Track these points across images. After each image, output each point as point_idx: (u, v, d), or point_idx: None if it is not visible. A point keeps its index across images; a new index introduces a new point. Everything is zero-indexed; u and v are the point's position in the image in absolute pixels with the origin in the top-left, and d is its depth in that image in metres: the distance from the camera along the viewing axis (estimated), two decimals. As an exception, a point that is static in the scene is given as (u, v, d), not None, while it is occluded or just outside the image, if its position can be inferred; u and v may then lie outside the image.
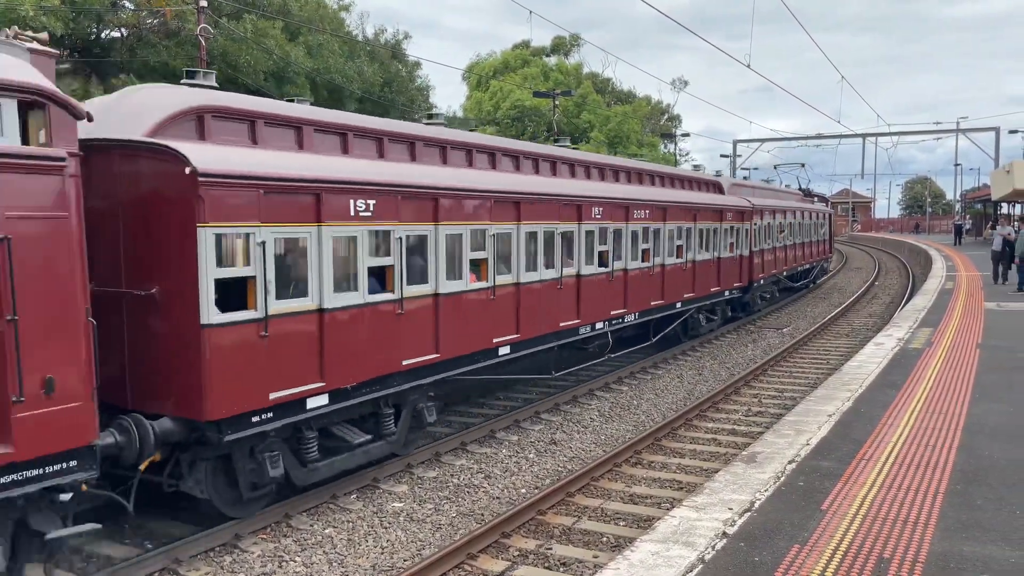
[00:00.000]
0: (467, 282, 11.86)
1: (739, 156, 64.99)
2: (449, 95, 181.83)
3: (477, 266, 12.25)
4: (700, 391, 16.60)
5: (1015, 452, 8.51)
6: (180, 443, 8.46)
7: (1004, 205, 56.10)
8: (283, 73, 28.04)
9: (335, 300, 9.49)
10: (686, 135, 74.66)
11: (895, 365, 13.34)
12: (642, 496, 10.38)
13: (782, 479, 7.69)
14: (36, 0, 19.94)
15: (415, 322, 10.85)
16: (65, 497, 6.94)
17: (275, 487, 9.36)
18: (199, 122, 8.76)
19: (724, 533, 6.36)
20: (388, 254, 10.30)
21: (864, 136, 58.67)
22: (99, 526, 7.48)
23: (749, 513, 6.82)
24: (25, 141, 6.69)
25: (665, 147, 68.72)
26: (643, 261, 17.56)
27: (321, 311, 9.34)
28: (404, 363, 10.66)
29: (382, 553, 8.69)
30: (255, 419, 8.65)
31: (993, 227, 40.92)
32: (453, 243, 11.56)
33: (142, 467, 8.05)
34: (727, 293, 23.04)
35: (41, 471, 6.69)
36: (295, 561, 8.43)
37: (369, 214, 9.94)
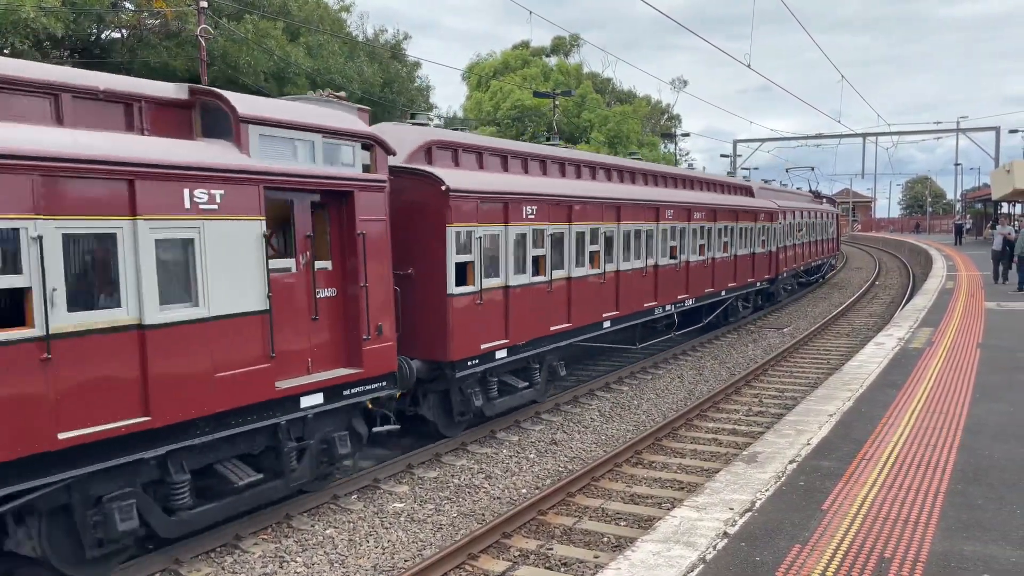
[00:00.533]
0: (588, 269, 15.34)
1: (739, 156, 64.99)
2: (449, 95, 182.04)
3: (592, 256, 15.56)
4: (701, 391, 16.60)
5: (1016, 451, 8.51)
6: (421, 379, 11.78)
7: (1004, 204, 56.09)
8: (283, 73, 28.04)
9: (514, 280, 13.07)
10: (686, 135, 74.67)
11: (896, 365, 13.34)
12: (643, 496, 10.38)
13: (783, 479, 7.69)
14: (36, 1, 19.92)
15: (557, 298, 14.40)
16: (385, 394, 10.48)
17: (472, 416, 12.73)
18: (428, 152, 12.27)
19: (725, 533, 6.36)
20: (542, 247, 13.84)
21: (864, 136, 58.64)
22: (399, 427, 11.29)
23: (750, 513, 6.82)
24: (364, 171, 10.05)
25: (665, 147, 68.71)
26: (700, 254, 21.00)
27: (507, 288, 12.91)
28: (551, 329, 14.21)
29: (383, 553, 8.69)
30: (470, 363, 12.14)
31: (993, 227, 40.91)
32: (580, 238, 15.05)
33: (398, 395, 11.00)
34: (759, 284, 26.58)
35: (372, 386, 10.19)
36: (296, 561, 8.43)
37: (533, 217, 13.53)
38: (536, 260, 13.70)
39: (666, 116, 73.61)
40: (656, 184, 20.02)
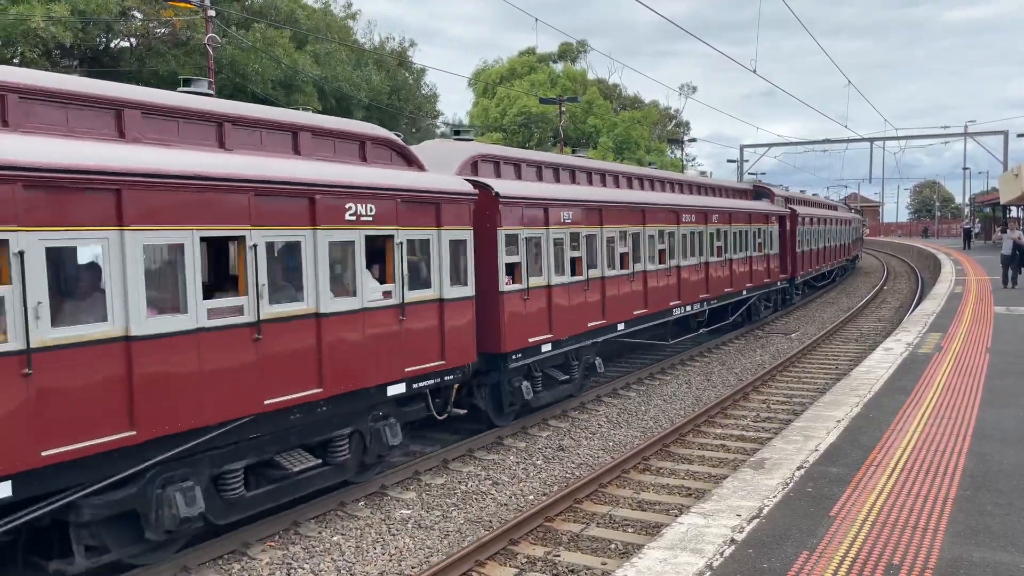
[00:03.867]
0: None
1: (746, 161, 64.92)
2: (454, 102, 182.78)
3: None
4: (708, 397, 16.55)
5: (1026, 457, 8.45)
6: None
7: (1013, 208, 55.80)
8: (291, 81, 28.16)
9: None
10: (692, 140, 74.66)
11: (904, 370, 13.27)
12: (650, 502, 10.35)
13: (790, 485, 7.66)
14: (45, 11, 20.08)
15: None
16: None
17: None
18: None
19: (732, 540, 6.34)
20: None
21: (872, 140, 58.52)
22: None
23: (757, 519, 6.79)
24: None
25: (672, 152, 68.68)
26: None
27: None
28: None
29: (390, 560, 8.69)
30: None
31: (1003, 231, 40.71)
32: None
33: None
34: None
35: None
36: (303, 568, 8.44)
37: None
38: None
39: (674, 122, 73.59)
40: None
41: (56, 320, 6.82)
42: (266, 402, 8.57)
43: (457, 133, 14.97)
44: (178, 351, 7.71)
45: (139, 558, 7.95)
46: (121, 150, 7.53)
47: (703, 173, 32.38)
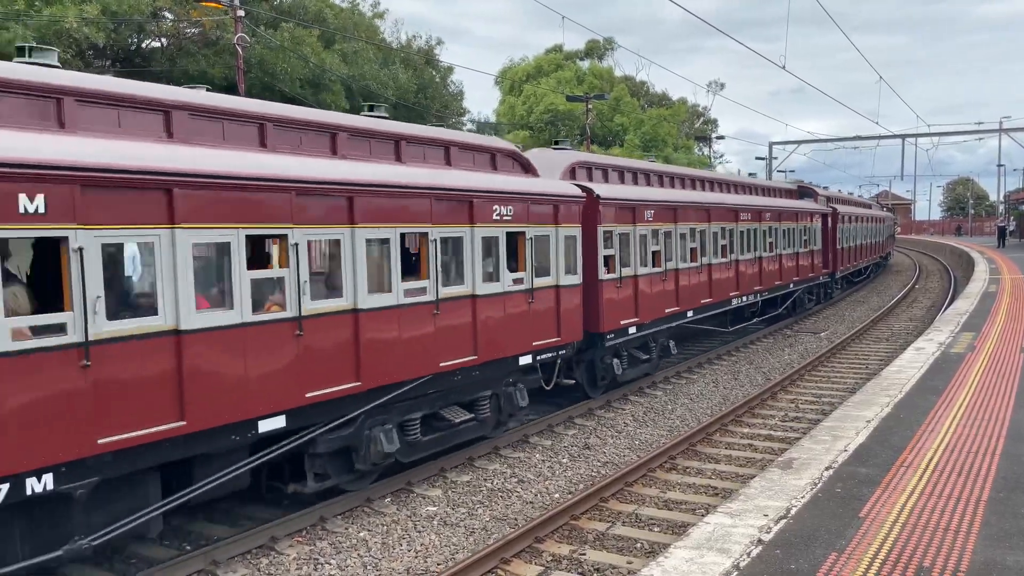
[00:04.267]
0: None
1: (775, 158, 64.23)
2: (480, 100, 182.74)
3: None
4: (736, 396, 16.43)
5: (1062, 460, 8.28)
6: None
7: (1050, 206, 54.60)
8: (319, 80, 28.36)
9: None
10: (721, 138, 74.04)
11: (936, 370, 13.07)
12: (677, 502, 10.30)
13: (819, 485, 7.58)
14: (78, 11, 20.41)
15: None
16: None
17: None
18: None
19: (759, 540, 6.29)
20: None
21: (903, 137, 57.56)
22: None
23: (785, 520, 6.73)
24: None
25: (700, 150, 68.16)
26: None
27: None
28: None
29: (416, 557, 8.73)
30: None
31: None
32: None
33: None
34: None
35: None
36: (330, 564, 8.50)
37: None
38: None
39: (702, 119, 73.04)
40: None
41: (313, 295, 8.99)
42: (440, 364, 10.75)
43: (558, 143, 17.47)
44: (387, 321, 9.91)
45: (349, 484, 10.06)
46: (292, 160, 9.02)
47: (735, 172, 33.38)
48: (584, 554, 8.67)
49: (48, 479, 6.64)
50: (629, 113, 56.48)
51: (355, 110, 15.31)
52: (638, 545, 8.93)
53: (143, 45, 25.93)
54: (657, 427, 14.17)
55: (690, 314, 18.45)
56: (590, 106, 44.20)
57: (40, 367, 6.54)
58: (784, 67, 26.40)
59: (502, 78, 61.95)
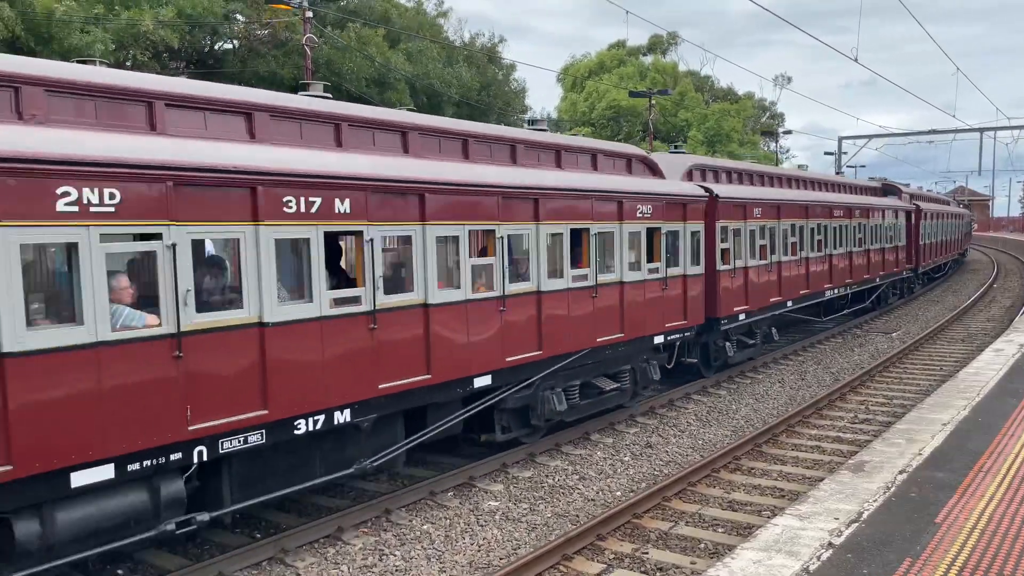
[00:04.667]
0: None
1: (844, 153, 62.47)
2: (542, 97, 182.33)
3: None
4: (803, 396, 16.08)
5: None
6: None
7: None
8: (384, 79, 28.75)
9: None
10: (788, 132, 72.36)
11: (1016, 372, 12.56)
12: (741, 503, 10.14)
13: (892, 489, 7.37)
14: (154, 15, 21.13)
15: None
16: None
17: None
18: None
19: (830, 543, 6.15)
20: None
21: (982, 130, 55.30)
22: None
23: (856, 524, 6.56)
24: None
25: (766, 145, 66.80)
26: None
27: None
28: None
29: (479, 550, 8.80)
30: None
31: None
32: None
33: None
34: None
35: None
36: (395, 555, 8.63)
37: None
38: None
39: (768, 114, 71.55)
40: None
41: (510, 280, 10.96)
42: (597, 340, 12.57)
43: (677, 147, 19.50)
44: (560, 302, 11.86)
45: (525, 437, 12.01)
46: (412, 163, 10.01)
47: (800, 167, 33.57)
48: (647, 553, 8.61)
49: (347, 413, 8.76)
50: (693, 108, 55.68)
51: (419, 109, 15.48)
52: (702, 545, 8.82)
53: (215, 47, 26.71)
54: (721, 427, 13.97)
55: (789, 303, 20.00)
56: (653, 102, 43.75)
57: (347, 329, 8.68)
58: (856, 59, 25.65)
59: (564, 75, 61.79)
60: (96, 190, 6.58)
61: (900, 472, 7.84)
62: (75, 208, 6.47)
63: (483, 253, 10.84)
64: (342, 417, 8.68)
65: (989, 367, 13.03)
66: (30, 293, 6.39)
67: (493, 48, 41.76)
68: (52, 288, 6.94)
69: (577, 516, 9.81)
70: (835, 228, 22.97)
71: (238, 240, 7.71)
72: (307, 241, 8.27)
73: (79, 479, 6.60)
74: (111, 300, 6.77)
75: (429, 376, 9.64)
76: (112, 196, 6.69)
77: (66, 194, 6.40)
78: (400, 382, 9.28)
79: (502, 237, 10.70)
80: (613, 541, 8.96)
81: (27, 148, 6.17)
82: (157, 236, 7.04)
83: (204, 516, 7.62)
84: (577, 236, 12.41)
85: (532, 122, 13.45)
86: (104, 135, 6.89)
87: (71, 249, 6.51)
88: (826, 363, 19.58)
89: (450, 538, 9.10)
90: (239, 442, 7.75)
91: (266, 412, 7.87)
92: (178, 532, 7.43)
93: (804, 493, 7.83)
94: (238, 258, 7.75)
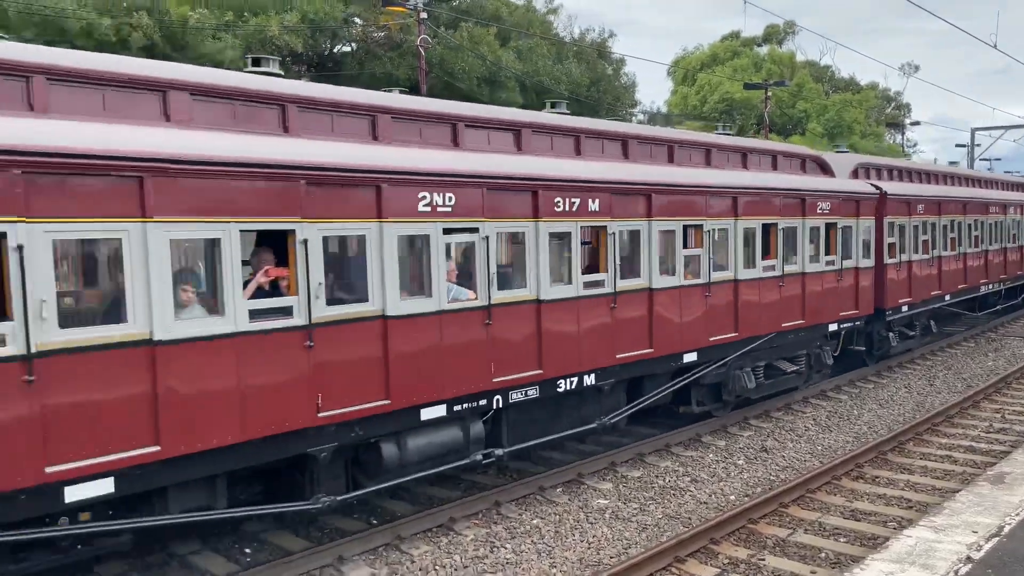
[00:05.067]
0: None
1: (978, 145, 58.63)
2: (653, 92, 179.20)
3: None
4: (932, 403, 15.21)
5: None
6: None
7: None
8: (495, 78, 29.03)
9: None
10: (916, 124, 68.52)
11: None
12: (865, 512, 9.67)
13: (1037, 505, 6.86)
14: (280, 20, 22.08)
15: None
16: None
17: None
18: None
19: (968, 558, 5.78)
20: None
21: None
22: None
23: (997, 538, 6.15)
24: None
25: (891, 138, 63.51)
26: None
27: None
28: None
29: (588, 548, 8.75)
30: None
31: None
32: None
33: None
34: None
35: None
36: (505, 548, 8.70)
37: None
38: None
39: (893, 104, 67.99)
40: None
41: (715, 269, 12.47)
42: (782, 325, 13.90)
43: (837, 147, 20.53)
44: (752, 289, 13.22)
45: (716, 411, 13.39)
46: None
47: (932, 161, 32.25)
48: (763, 559, 8.34)
49: (593, 377, 10.55)
50: (812, 99, 53.54)
51: (529, 106, 15.55)
52: (823, 555, 8.47)
53: (335, 50, 27.65)
54: (842, 432, 13.38)
55: (947, 297, 20.55)
56: (769, 93, 42.32)
57: (594, 307, 10.55)
58: (995, 46, 24.00)
59: (675, 68, 60.63)
60: (440, 194, 8.62)
61: (1046, 487, 7.29)
62: (428, 208, 8.51)
63: (687, 245, 12.31)
64: (589, 380, 10.55)
65: None
66: (402, 273, 8.35)
67: (603, 43, 41.44)
68: (411, 269, 8.72)
69: (689, 518, 9.61)
70: (991, 224, 23.50)
71: (523, 233, 9.78)
72: (568, 234, 10.18)
73: (425, 414, 8.66)
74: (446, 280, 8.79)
75: (651, 350, 11.41)
76: (449, 199, 8.71)
77: (423, 198, 8.47)
78: (631, 353, 11.06)
79: (709, 231, 12.36)
80: (727, 546, 8.73)
81: (401, 163, 8.35)
82: (475, 229, 9.02)
83: (499, 451, 9.58)
84: (766, 230, 13.70)
85: (726, 127, 15.74)
86: (433, 152, 8.89)
87: (423, 240, 8.56)
88: (957, 368, 18.46)
89: (560, 534, 9.10)
90: (522, 394, 9.70)
91: (541, 372, 9.87)
92: (484, 462, 9.41)
93: (935, 505, 7.40)
94: (523, 247, 9.81)
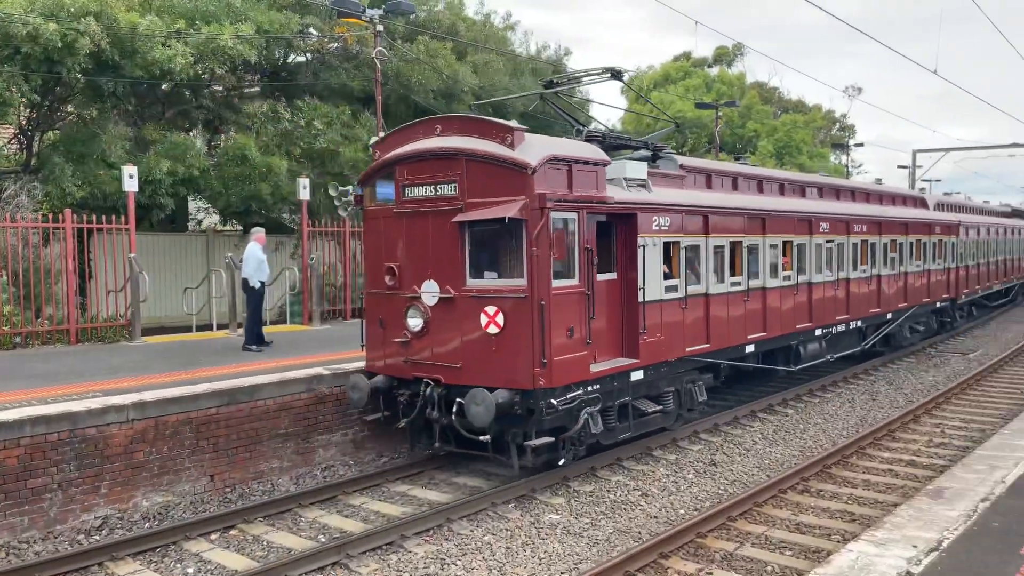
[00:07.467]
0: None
1: (919, 167, 60.47)
2: (606, 108, 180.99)
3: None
4: (874, 418, 15.58)
5: None
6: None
7: None
8: (451, 91, 29.01)
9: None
10: (859, 145, 70.42)
11: (1108, 399, 11.93)
12: (810, 526, 9.85)
13: (974, 518, 7.06)
14: (233, 30, 21.76)
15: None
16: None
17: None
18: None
19: (908, 572, 5.92)
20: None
21: (1068, 143, 52.78)
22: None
23: (936, 553, 6.31)
24: None
25: (836, 158, 65.21)
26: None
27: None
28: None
29: (539, 564, 8.74)
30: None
31: None
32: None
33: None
34: None
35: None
36: (456, 565, 8.64)
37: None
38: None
39: (839, 126, 69.82)
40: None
41: (886, 264, 21.27)
42: (923, 300, 22.69)
43: (922, 189, 29.37)
44: (903, 277, 22.27)
45: (888, 352, 21.94)
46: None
47: (877, 180, 40.97)
48: (711, 573, 8.43)
49: (859, 323, 19.68)
50: (761, 120, 54.75)
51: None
52: (769, 568, 8.59)
53: (288, 60, 27.39)
54: (788, 446, 13.62)
55: (980, 291, 29.45)
56: (720, 113, 43.14)
57: (864, 284, 20.08)
58: (936, 71, 24.89)
59: (627, 88, 61.37)
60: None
61: (982, 500, 7.52)
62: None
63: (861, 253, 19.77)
64: (855, 324, 19.37)
65: (1077, 392, 12.43)
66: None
67: (559, 60, 41.80)
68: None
69: (639, 533, 9.68)
70: (995, 242, 32.20)
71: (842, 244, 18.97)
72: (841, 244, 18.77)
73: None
74: None
75: (879, 308, 20.60)
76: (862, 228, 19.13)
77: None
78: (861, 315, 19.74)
79: (872, 244, 20.29)
80: (676, 560, 8.80)
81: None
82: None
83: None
84: (897, 243, 21.61)
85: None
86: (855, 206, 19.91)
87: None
88: (898, 383, 18.95)
89: (511, 550, 9.08)
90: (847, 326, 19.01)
91: (847, 315, 18.97)
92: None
93: (876, 518, 7.57)
94: (840, 250, 18.81)
